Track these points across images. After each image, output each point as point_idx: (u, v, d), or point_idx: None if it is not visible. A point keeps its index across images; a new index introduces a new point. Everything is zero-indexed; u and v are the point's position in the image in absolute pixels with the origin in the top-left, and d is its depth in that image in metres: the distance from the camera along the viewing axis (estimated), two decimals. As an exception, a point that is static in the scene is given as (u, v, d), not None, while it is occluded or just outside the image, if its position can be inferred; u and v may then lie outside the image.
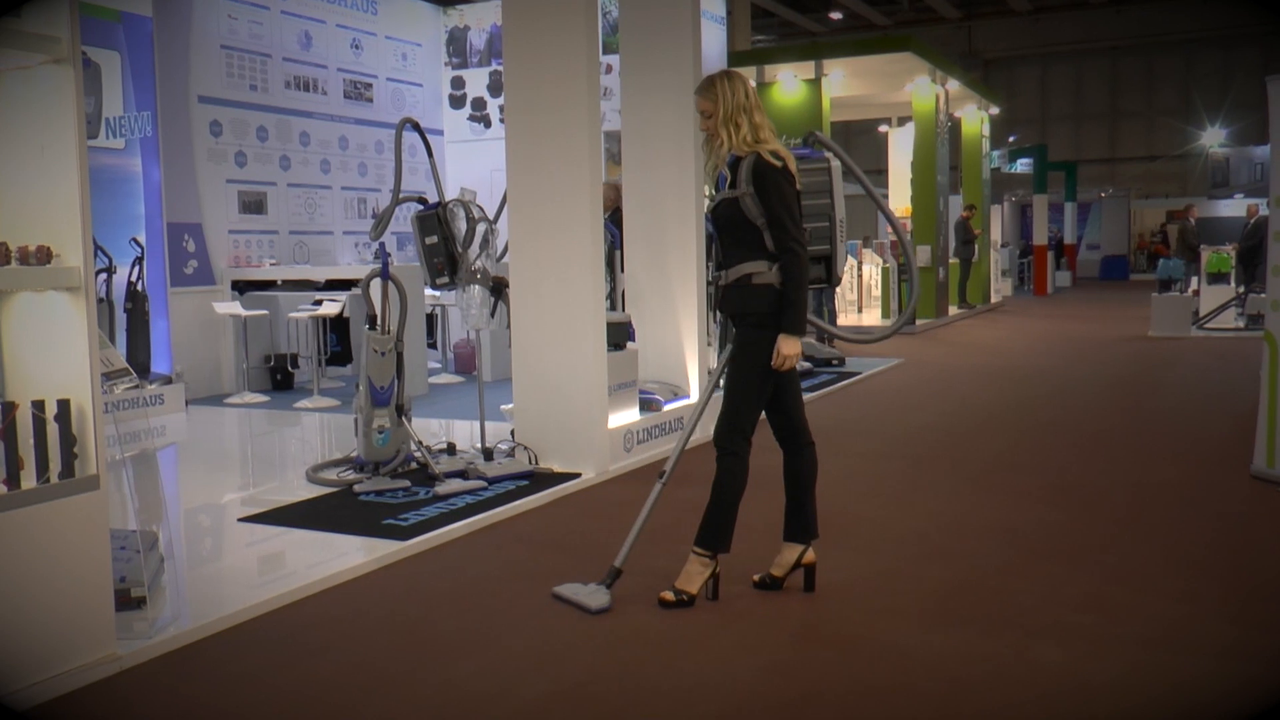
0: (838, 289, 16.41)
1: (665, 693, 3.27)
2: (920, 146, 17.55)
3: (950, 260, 18.82)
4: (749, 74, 16.64)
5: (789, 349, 3.89)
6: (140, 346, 8.78)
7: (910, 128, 18.18)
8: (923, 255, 17.00)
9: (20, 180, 3.41)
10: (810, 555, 4.16)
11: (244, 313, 9.29)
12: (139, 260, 8.82)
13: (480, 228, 6.14)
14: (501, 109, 7.27)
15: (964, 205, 20.01)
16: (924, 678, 3.36)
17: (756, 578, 4.19)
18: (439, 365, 11.01)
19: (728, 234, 3.97)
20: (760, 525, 4.55)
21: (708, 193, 4.25)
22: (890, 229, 4.77)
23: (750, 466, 4.01)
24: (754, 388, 3.97)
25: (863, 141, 34.69)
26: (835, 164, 4.16)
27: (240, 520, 5.37)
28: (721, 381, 4.15)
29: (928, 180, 17.42)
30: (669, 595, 3.96)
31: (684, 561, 4.05)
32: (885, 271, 17.20)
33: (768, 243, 3.88)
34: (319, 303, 9.31)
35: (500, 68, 8.85)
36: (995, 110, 21.99)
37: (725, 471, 3.99)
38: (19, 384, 3.43)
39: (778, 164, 3.86)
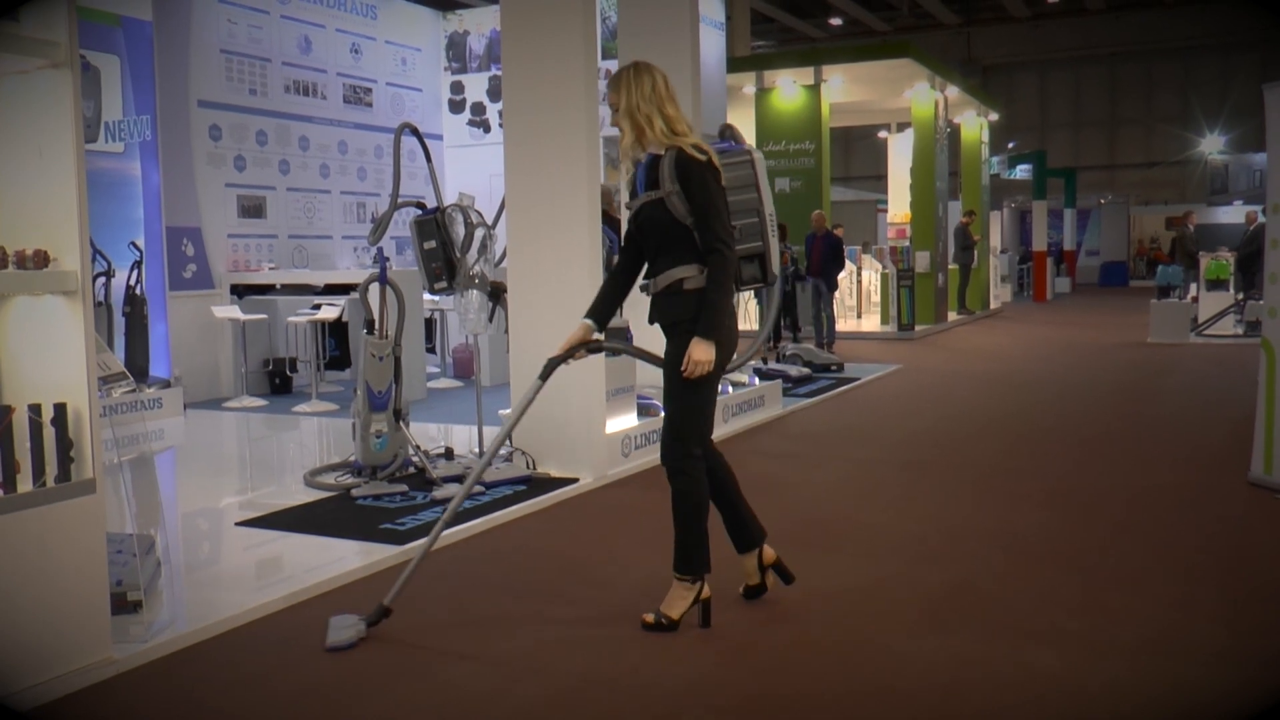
0: (836, 295, 16.42)
1: (659, 696, 3.27)
2: (919, 152, 17.57)
3: (949, 266, 18.84)
4: (748, 79, 16.69)
5: (699, 354, 3.60)
6: (139, 350, 8.79)
7: (909, 134, 18.21)
8: (921, 261, 17.01)
9: (18, 184, 3.41)
10: (769, 554, 4.04)
11: (243, 317, 9.30)
12: (138, 264, 8.83)
13: (479, 233, 6.15)
14: (501, 114, 7.28)
15: (963, 211, 20.03)
16: (920, 682, 3.37)
17: (742, 589, 4.10)
18: (437, 370, 11.02)
19: (654, 238, 3.72)
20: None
21: (625, 200, 4.02)
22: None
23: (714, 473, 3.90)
24: (694, 397, 3.73)
25: (862, 147, 34.75)
26: (757, 155, 3.95)
27: (237, 524, 5.37)
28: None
29: (927, 186, 17.44)
30: (649, 618, 3.77)
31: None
32: (885, 277, 17.20)
33: (699, 243, 3.66)
34: (318, 307, 9.32)
35: (499, 73, 8.86)
36: (994, 116, 22.03)
37: (678, 492, 3.76)
38: (16, 387, 3.43)
39: (702, 158, 3.64)
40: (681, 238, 3.67)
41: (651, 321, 3.85)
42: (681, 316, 3.68)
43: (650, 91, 3.67)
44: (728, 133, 4.09)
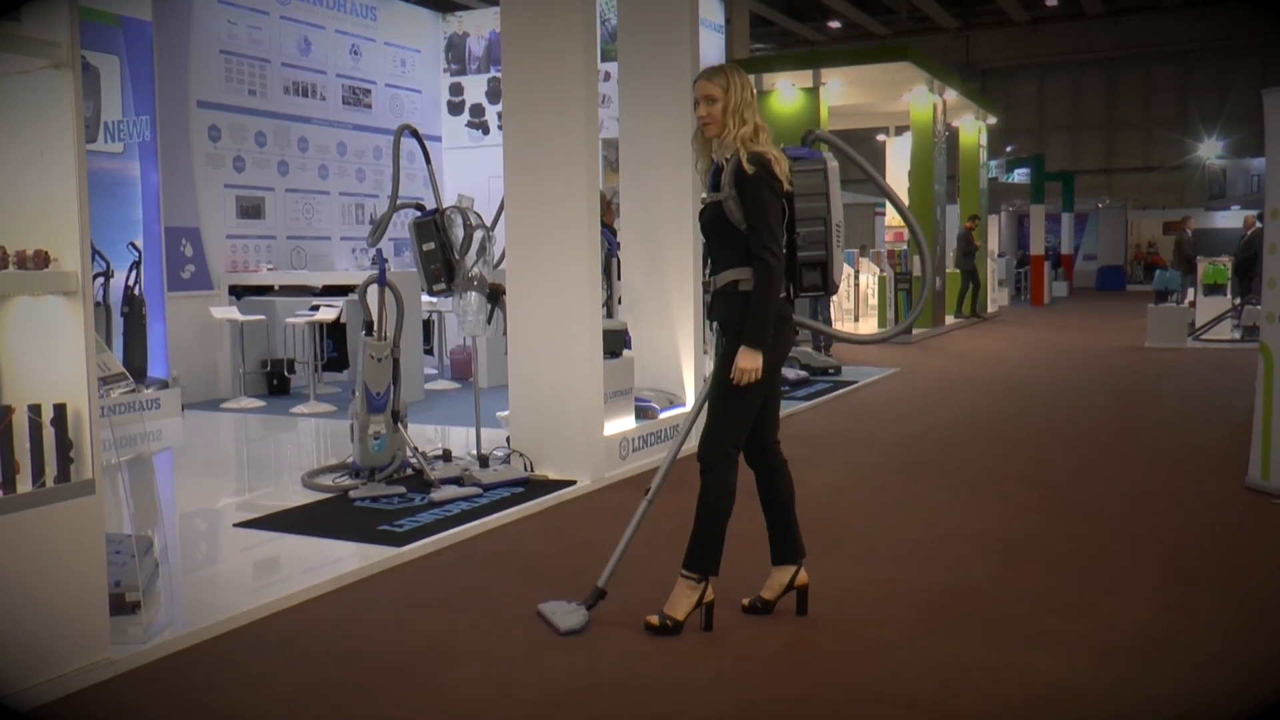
0: (834, 298, 16.40)
1: (658, 698, 3.27)
2: (918, 156, 17.59)
3: (948, 271, 18.84)
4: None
5: (745, 363, 3.65)
6: (137, 351, 8.78)
7: (908, 137, 18.22)
8: (919, 265, 17.01)
9: (18, 184, 3.41)
10: (803, 576, 3.98)
11: (241, 318, 9.30)
12: (136, 264, 8.83)
13: (477, 234, 6.15)
14: (500, 116, 7.29)
15: (967, 216, 20.01)
16: (917, 685, 3.37)
17: (745, 602, 4.02)
18: (435, 371, 11.01)
19: (714, 239, 3.81)
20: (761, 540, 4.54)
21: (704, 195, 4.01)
22: (906, 226, 4.47)
23: (739, 482, 3.83)
24: (738, 401, 3.75)
25: (860, 150, 34.24)
26: (832, 165, 3.90)
27: (235, 525, 5.37)
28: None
29: (925, 190, 17.45)
30: (654, 620, 3.78)
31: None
32: (882, 281, 17.22)
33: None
34: (316, 308, 9.32)
35: (499, 75, 8.87)
36: (993, 120, 22.04)
37: (707, 489, 3.78)
38: (15, 388, 3.43)
39: (752, 169, 3.65)
40: (736, 241, 3.72)
41: (709, 319, 3.95)
42: (734, 318, 3.75)
43: (750, 97, 3.75)
44: (811, 139, 4.05)
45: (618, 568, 4.00)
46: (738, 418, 3.78)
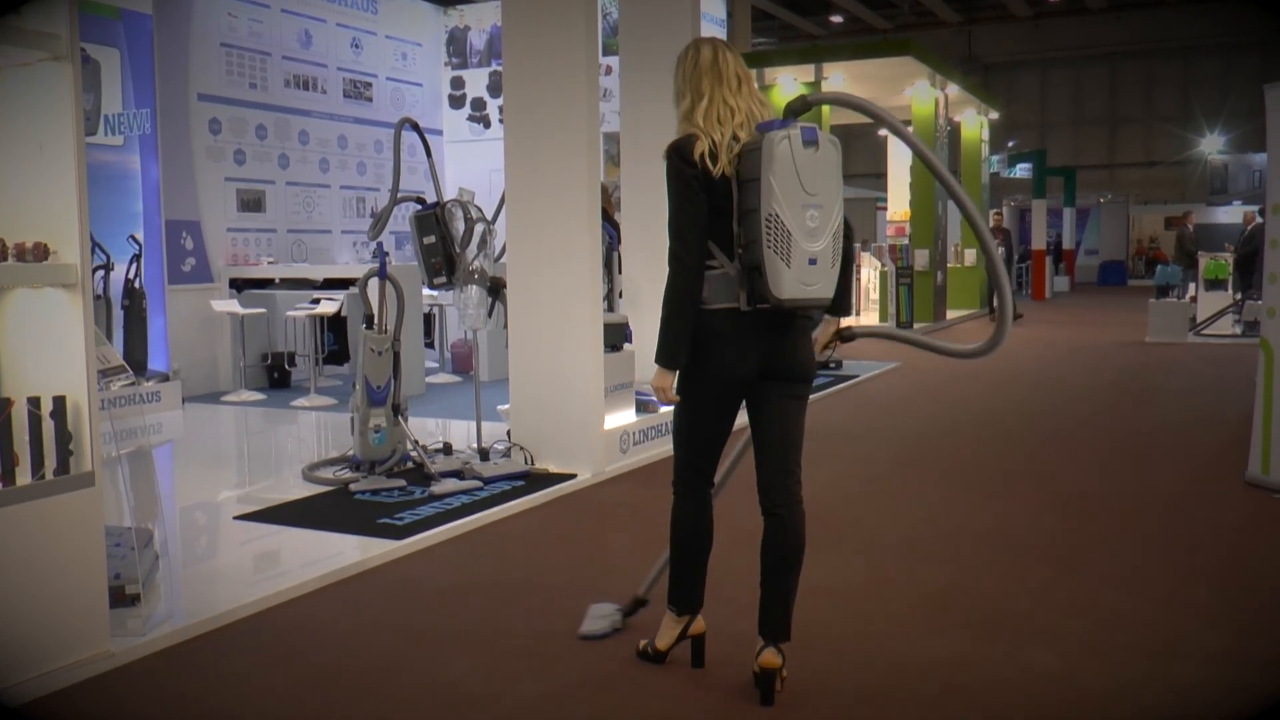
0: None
1: (658, 694, 3.27)
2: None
3: (949, 265, 18.82)
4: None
5: (654, 380, 3.19)
6: (137, 344, 8.78)
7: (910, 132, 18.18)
8: (921, 259, 17.01)
9: (18, 177, 3.41)
10: (770, 657, 3.15)
11: (241, 311, 9.30)
12: (137, 257, 8.83)
13: (478, 228, 6.15)
14: (501, 109, 7.27)
15: (994, 212, 19.87)
16: (916, 682, 3.37)
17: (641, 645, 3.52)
18: (436, 365, 11.02)
19: None
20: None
21: None
22: (962, 215, 3.32)
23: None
24: (678, 421, 3.33)
25: (862, 145, 34.68)
26: (776, 144, 3.00)
27: (235, 518, 5.37)
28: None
29: (926, 184, 17.43)
30: (641, 644, 3.52)
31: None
32: (883, 275, 17.20)
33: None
34: (317, 301, 9.32)
35: (500, 68, 8.85)
36: (995, 115, 22.01)
37: (672, 516, 3.38)
38: (15, 380, 3.43)
39: (673, 147, 3.16)
40: None
41: None
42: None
43: (691, 69, 3.24)
44: (797, 107, 3.27)
45: (659, 576, 3.77)
46: (680, 440, 3.34)
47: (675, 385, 3.20)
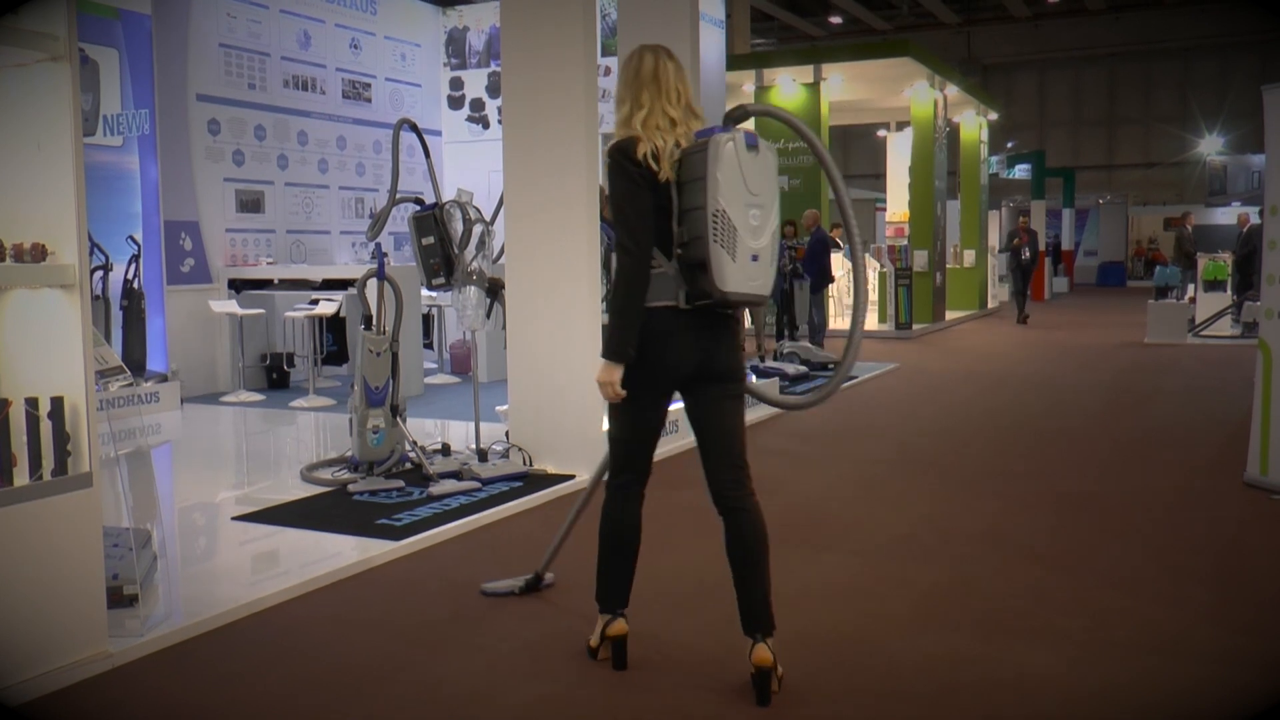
0: (832, 293, 16.37)
1: (655, 695, 3.27)
2: (918, 151, 17.58)
3: (949, 266, 18.81)
4: (748, 77, 16.68)
5: (599, 374, 3.23)
6: (136, 344, 8.79)
7: (909, 133, 18.21)
8: (920, 260, 17.01)
9: (16, 177, 3.41)
10: (761, 653, 3.17)
11: (240, 311, 9.30)
12: (135, 258, 8.83)
13: (477, 229, 6.15)
14: (500, 110, 7.28)
15: (1023, 216, 19.84)
16: (913, 681, 3.37)
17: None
18: (435, 366, 11.01)
19: None
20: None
21: None
22: (840, 208, 3.61)
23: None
24: (613, 419, 3.38)
25: (861, 146, 34.72)
26: (723, 145, 3.11)
27: (234, 519, 5.37)
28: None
29: (926, 185, 17.45)
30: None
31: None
32: (883, 276, 17.21)
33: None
34: (315, 302, 9.32)
35: (499, 69, 8.86)
36: (994, 116, 22.04)
37: (602, 515, 3.46)
38: (13, 381, 3.43)
39: (615, 147, 3.23)
40: None
41: None
42: None
43: (632, 77, 3.31)
44: (736, 116, 3.44)
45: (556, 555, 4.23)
46: (614, 438, 3.40)
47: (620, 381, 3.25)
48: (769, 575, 3.27)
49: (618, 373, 3.21)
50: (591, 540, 3.53)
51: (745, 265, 3.12)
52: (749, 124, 3.49)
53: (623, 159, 3.19)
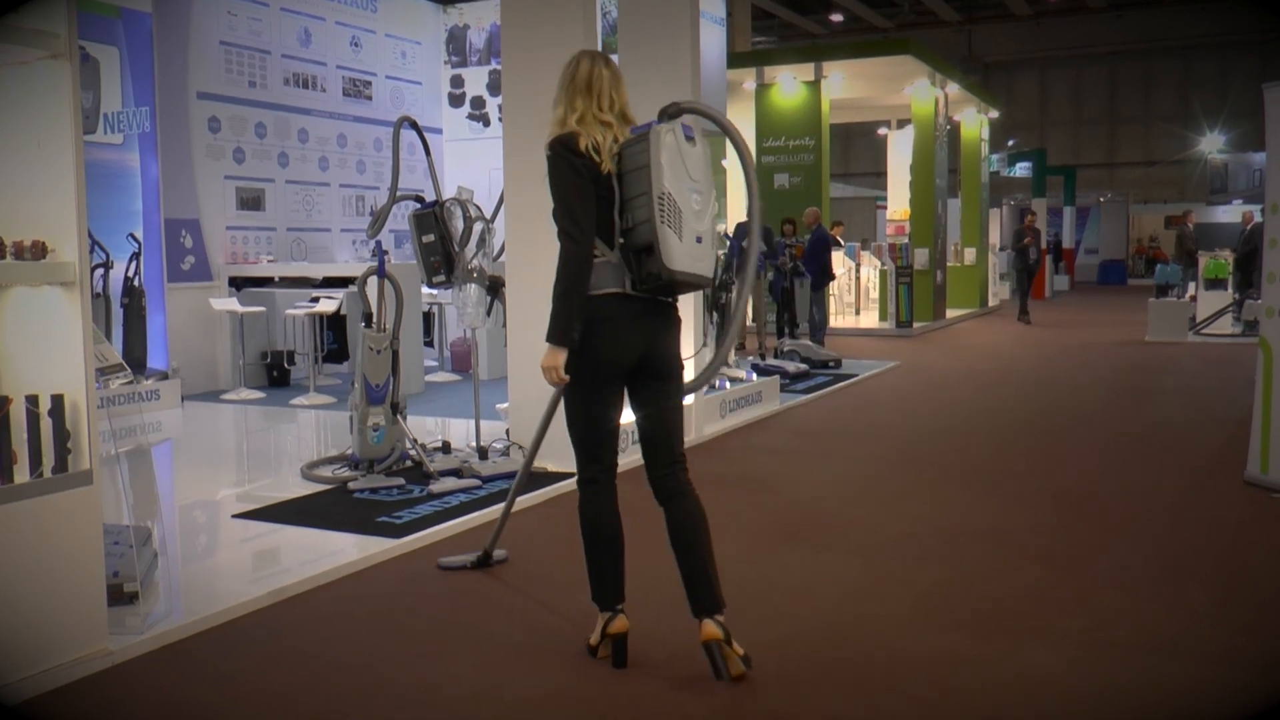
0: (833, 291, 16.37)
1: (654, 694, 3.27)
2: (919, 149, 17.57)
3: (949, 264, 18.80)
4: (749, 75, 16.67)
5: (543, 359, 3.30)
6: (137, 342, 8.78)
7: (909, 131, 18.20)
8: (920, 258, 17.00)
9: (17, 175, 3.41)
10: (709, 628, 3.27)
11: (241, 309, 9.30)
12: (136, 256, 8.82)
13: (477, 226, 6.15)
14: (500, 108, 7.28)
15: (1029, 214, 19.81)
16: (913, 681, 3.37)
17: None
18: (435, 363, 11.02)
19: None
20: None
21: None
22: (749, 194, 3.77)
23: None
24: (568, 409, 3.44)
25: (862, 144, 34.73)
26: (664, 134, 3.25)
27: (234, 516, 5.38)
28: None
29: (926, 183, 17.45)
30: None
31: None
32: (883, 274, 17.21)
33: None
34: (316, 300, 9.32)
35: (499, 67, 8.85)
36: (994, 114, 22.02)
37: (579, 514, 3.52)
38: (13, 378, 3.43)
39: (556, 140, 3.35)
40: None
41: None
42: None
43: (568, 80, 3.44)
44: (670, 112, 3.44)
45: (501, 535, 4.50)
46: (575, 436, 3.45)
47: (566, 368, 3.31)
48: (712, 557, 3.37)
49: (561, 357, 3.29)
50: (575, 531, 3.54)
51: (691, 246, 3.24)
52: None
53: (565, 151, 3.30)
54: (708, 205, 3.33)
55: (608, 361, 3.33)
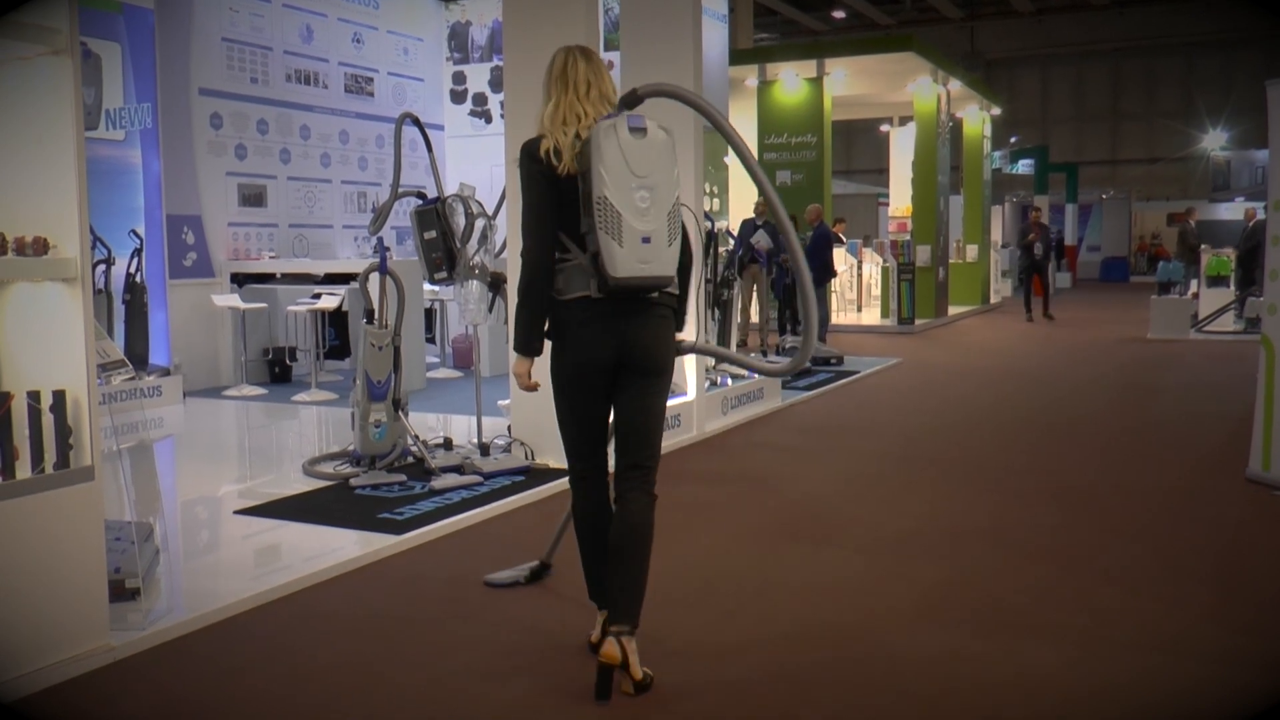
0: (834, 288, 16.36)
1: (653, 691, 3.27)
2: (921, 146, 17.55)
3: (951, 261, 18.79)
4: (751, 72, 16.66)
5: (513, 368, 3.43)
6: (138, 338, 8.78)
7: (912, 127, 18.18)
8: (922, 255, 16.99)
9: (18, 171, 3.41)
10: (609, 648, 3.15)
11: (243, 305, 9.30)
12: (138, 252, 8.82)
13: (479, 223, 6.14)
14: (502, 105, 7.27)
15: (1034, 210, 19.80)
16: (914, 678, 3.37)
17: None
18: (437, 360, 11.02)
19: None
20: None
21: None
22: (760, 191, 3.52)
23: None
24: (556, 406, 3.45)
25: (864, 141, 34.70)
26: (602, 133, 3.17)
27: (236, 512, 5.38)
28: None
29: (929, 180, 17.43)
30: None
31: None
32: (885, 271, 17.20)
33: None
34: (318, 296, 9.32)
35: (501, 63, 8.84)
36: (997, 111, 22.00)
37: (572, 514, 3.57)
38: (15, 375, 3.43)
39: (522, 147, 3.38)
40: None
41: None
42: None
43: (548, 79, 3.42)
44: (630, 100, 3.31)
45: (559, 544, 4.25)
46: (562, 430, 3.47)
47: (551, 374, 3.37)
48: (642, 574, 3.27)
49: (526, 364, 3.36)
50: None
51: (635, 248, 3.12)
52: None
53: (525, 157, 3.33)
54: (659, 200, 3.17)
55: (582, 364, 3.30)
